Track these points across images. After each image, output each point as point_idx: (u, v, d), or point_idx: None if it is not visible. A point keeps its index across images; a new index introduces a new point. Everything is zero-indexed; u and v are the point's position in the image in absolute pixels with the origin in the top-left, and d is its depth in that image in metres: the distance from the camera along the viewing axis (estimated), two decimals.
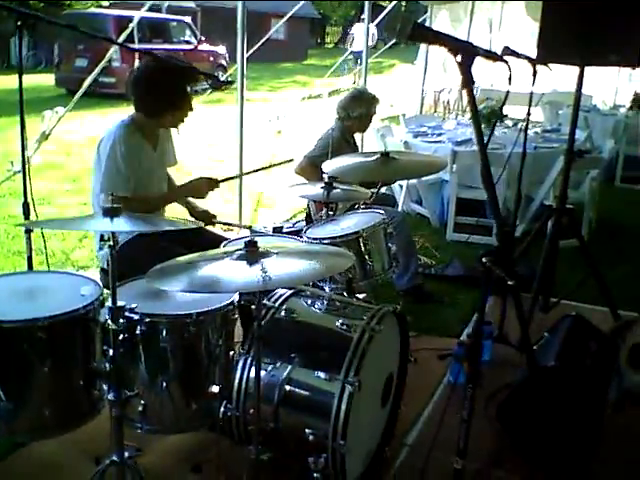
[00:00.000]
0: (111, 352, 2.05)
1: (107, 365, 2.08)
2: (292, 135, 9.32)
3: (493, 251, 2.00)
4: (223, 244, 2.79)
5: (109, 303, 2.03)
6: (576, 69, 3.58)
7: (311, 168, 4.18)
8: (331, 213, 3.13)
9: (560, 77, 5.81)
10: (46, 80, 15.39)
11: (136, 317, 2.13)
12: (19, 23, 2.75)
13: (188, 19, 17.32)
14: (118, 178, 2.87)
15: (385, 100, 7.21)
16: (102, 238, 1.99)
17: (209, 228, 3.31)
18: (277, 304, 2.42)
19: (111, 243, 1.95)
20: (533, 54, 3.39)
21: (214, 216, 3.33)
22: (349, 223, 3.05)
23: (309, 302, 2.51)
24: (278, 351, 2.28)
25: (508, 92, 2.05)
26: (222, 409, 2.22)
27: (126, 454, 2.16)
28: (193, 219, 3.30)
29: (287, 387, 2.21)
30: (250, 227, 4.14)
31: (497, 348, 3.36)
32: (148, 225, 2.21)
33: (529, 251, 3.96)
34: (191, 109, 3.04)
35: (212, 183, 3.17)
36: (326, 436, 2.11)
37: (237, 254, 1.90)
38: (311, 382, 2.21)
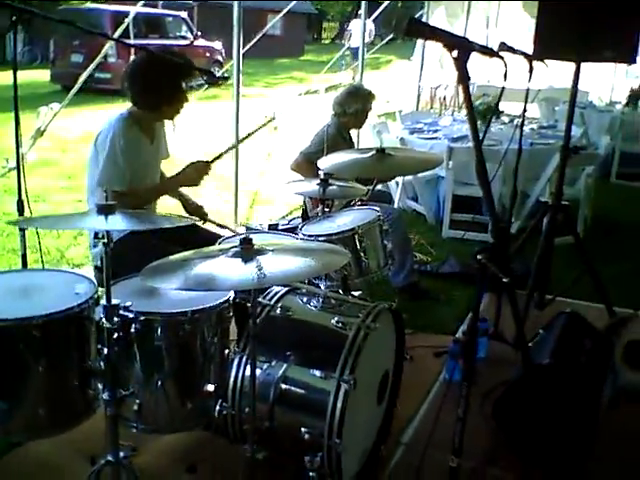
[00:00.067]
0: (106, 351, 2.04)
1: (102, 364, 2.07)
2: (288, 131, 9.29)
3: (488, 248, 2.00)
4: (218, 241, 2.78)
5: (104, 301, 2.03)
6: (572, 65, 3.57)
7: (307, 164, 4.17)
8: (327, 210, 3.13)
9: (556, 73, 5.80)
10: (41, 76, 15.32)
11: (131, 315, 2.12)
12: (14, 18, 2.74)
13: (184, 14, 17.25)
14: (116, 172, 2.86)
15: (381, 96, 7.19)
16: (96, 236, 1.99)
17: (204, 225, 3.30)
18: (272, 302, 2.41)
19: (105, 240, 1.94)
20: (530, 50, 3.38)
21: (206, 214, 3.31)
22: (345, 220, 3.04)
23: (304, 300, 2.50)
24: (273, 349, 2.27)
25: (503, 88, 2.05)
26: (217, 408, 2.21)
27: (121, 454, 2.16)
28: (187, 215, 3.30)
29: (282, 385, 2.20)
30: (236, 232, 4.11)
31: (493, 345, 3.36)
32: (143, 223, 2.20)
33: (525, 248, 3.96)
34: (186, 100, 3.03)
35: (202, 167, 3.13)
36: (322, 435, 2.11)
37: (232, 251, 1.89)
38: (306, 380, 2.21)
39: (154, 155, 3.16)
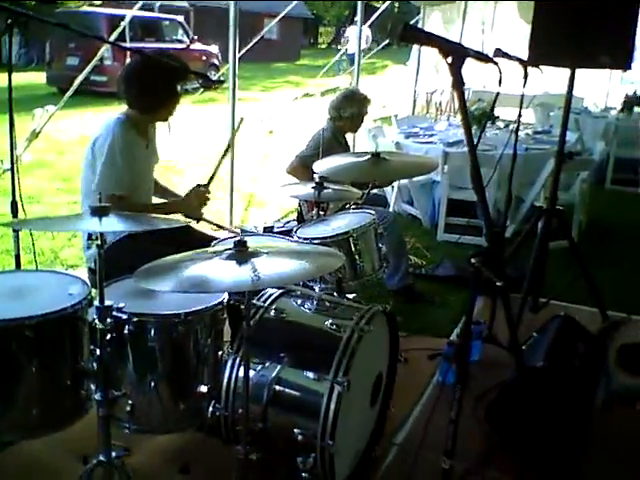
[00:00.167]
0: (98, 352, 2.04)
1: (95, 365, 2.07)
2: (284, 135, 9.31)
3: (482, 252, 2.01)
4: (213, 243, 2.78)
5: (97, 302, 2.02)
6: (567, 71, 3.59)
7: (302, 168, 4.17)
8: (322, 213, 3.13)
9: (552, 79, 5.83)
10: (37, 78, 15.33)
11: (124, 316, 2.12)
12: (9, 21, 2.74)
13: (181, 18, 17.29)
14: (116, 176, 2.85)
15: (377, 101, 7.21)
16: (90, 237, 1.98)
17: (198, 228, 3.30)
18: (266, 304, 2.41)
19: (98, 242, 1.94)
20: (525, 56, 3.39)
21: (201, 214, 3.30)
22: (340, 223, 3.05)
23: (299, 302, 2.50)
24: (267, 351, 2.27)
25: (498, 93, 2.06)
26: (210, 409, 2.21)
27: (113, 454, 2.15)
28: (183, 217, 3.30)
29: (276, 387, 2.20)
30: (238, 234, 4.13)
31: (487, 348, 3.36)
32: (137, 224, 2.20)
33: (519, 252, 3.97)
34: (178, 102, 3.05)
35: (203, 193, 3.14)
36: (315, 436, 2.11)
37: (226, 254, 1.89)
38: (300, 382, 2.21)
39: (149, 159, 3.16)
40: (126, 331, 2.14)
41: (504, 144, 3.54)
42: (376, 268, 3.03)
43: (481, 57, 1.98)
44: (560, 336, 2.93)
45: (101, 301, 2.01)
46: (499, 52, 3.16)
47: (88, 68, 5.43)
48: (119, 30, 5.88)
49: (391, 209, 5.76)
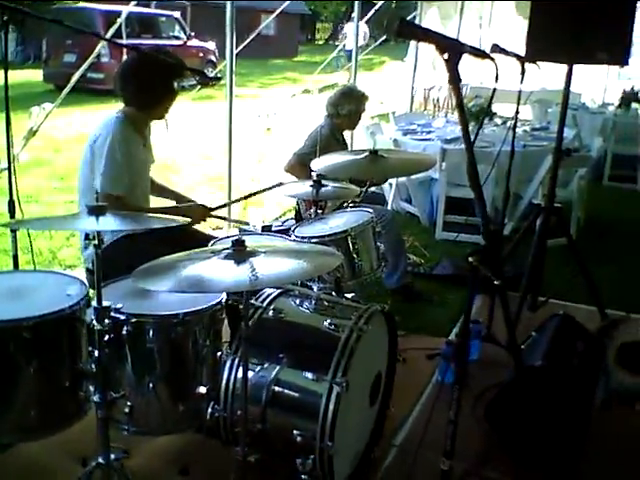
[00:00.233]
0: (96, 353, 2.03)
1: (93, 366, 2.07)
2: (282, 132, 9.29)
3: (480, 250, 2.00)
4: (211, 243, 2.77)
5: (95, 303, 2.02)
6: (565, 67, 3.58)
7: (300, 166, 4.16)
8: (320, 211, 3.12)
9: (549, 75, 5.81)
10: (34, 76, 15.28)
11: (122, 317, 2.12)
12: (5, 18, 2.72)
13: (177, 14, 17.23)
14: (116, 175, 2.84)
15: (375, 97, 7.19)
16: (87, 237, 1.97)
17: (197, 227, 3.28)
18: (265, 304, 2.40)
19: (96, 242, 1.93)
20: (522, 52, 3.38)
21: (208, 210, 3.27)
22: (338, 222, 3.04)
23: (297, 302, 2.49)
24: (266, 351, 2.26)
25: (495, 90, 2.05)
26: (209, 410, 2.20)
27: (112, 456, 2.15)
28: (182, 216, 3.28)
29: (275, 388, 2.19)
30: (247, 223, 4.13)
31: (486, 347, 3.36)
32: (134, 224, 2.19)
33: (518, 250, 3.96)
34: (175, 99, 3.05)
35: (205, 213, 3.16)
36: (314, 437, 2.10)
37: (224, 253, 1.88)
38: (299, 383, 2.20)
39: (146, 158, 3.15)
40: (124, 332, 2.14)
41: (502, 141, 3.53)
42: (374, 267, 3.02)
43: (478, 53, 1.97)
44: (559, 335, 2.93)
45: (99, 302, 2.01)
46: (496, 48, 3.16)
47: (85, 65, 5.40)
48: (115, 26, 5.85)
49: (389, 207, 5.75)
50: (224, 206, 3.33)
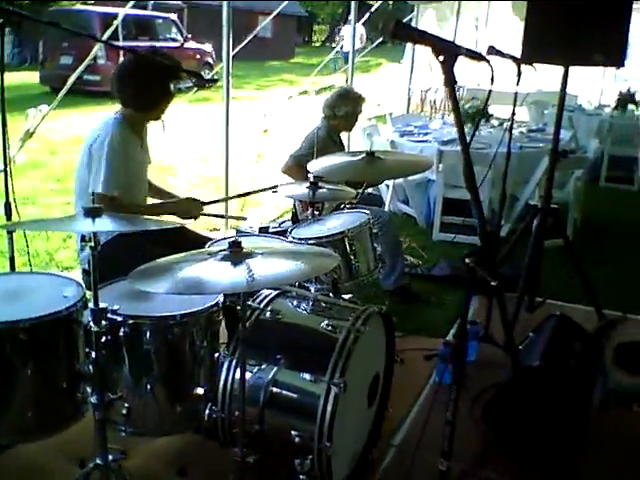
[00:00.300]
0: (94, 354, 2.03)
1: (90, 367, 2.06)
2: (278, 134, 9.29)
3: (476, 252, 2.00)
4: (207, 244, 2.77)
5: (92, 305, 2.01)
6: (561, 69, 3.59)
7: (297, 167, 4.16)
8: (317, 213, 3.12)
9: (546, 77, 5.82)
10: (31, 78, 15.26)
11: (119, 319, 2.12)
12: (1, 20, 2.72)
13: (174, 16, 17.22)
14: (114, 176, 2.84)
15: (372, 99, 7.19)
16: (83, 239, 1.97)
17: (194, 229, 3.28)
18: (262, 305, 2.40)
19: (92, 244, 1.92)
20: (519, 53, 3.39)
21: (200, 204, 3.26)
22: (335, 223, 3.04)
23: (294, 303, 2.49)
24: (263, 353, 2.26)
25: (490, 91, 2.05)
26: (207, 411, 2.20)
27: (110, 457, 2.14)
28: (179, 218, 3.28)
29: (272, 389, 2.19)
30: (244, 218, 4.16)
31: (484, 348, 3.36)
32: (130, 225, 2.19)
33: (515, 251, 3.97)
34: (171, 101, 3.05)
35: (197, 208, 3.15)
36: (312, 438, 2.10)
37: (221, 255, 1.88)
38: (296, 384, 2.20)
39: (144, 159, 3.15)
40: (121, 333, 2.14)
41: (498, 142, 3.54)
42: (372, 268, 3.03)
43: (473, 55, 1.97)
44: (556, 335, 2.93)
45: (96, 303, 2.00)
46: (492, 50, 3.17)
47: (81, 67, 5.40)
48: (112, 29, 5.85)
49: (386, 208, 5.74)
50: (218, 201, 3.34)
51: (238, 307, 2.04)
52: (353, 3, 7.97)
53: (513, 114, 3.40)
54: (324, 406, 2.10)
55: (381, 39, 13.38)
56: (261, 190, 3.41)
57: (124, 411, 2.16)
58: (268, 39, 26.72)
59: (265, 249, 1.98)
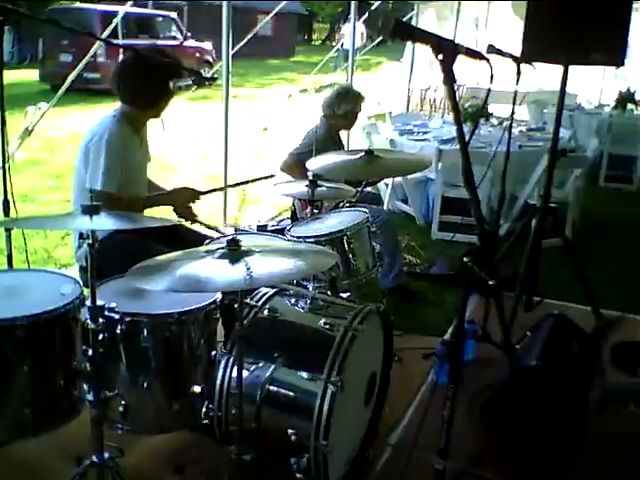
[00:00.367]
0: (90, 352, 2.02)
1: (87, 365, 2.06)
2: (278, 132, 9.29)
3: (474, 250, 2.00)
4: (206, 242, 2.77)
5: (89, 302, 2.01)
6: (561, 68, 3.59)
7: (296, 165, 4.15)
8: (316, 211, 3.12)
9: (546, 76, 5.82)
10: (30, 76, 15.24)
11: (116, 316, 2.12)
12: (0, 18, 2.71)
13: (174, 14, 17.22)
14: (113, 174, 2.84)
15: (372, 98, 7.18)
16: (81, 236, 1.97)
17: (192, 226, 3.28)
18: (260, 303, 2.40)
19: (90, 241, 1.92)
20: (519, 52, 3.39)
21: (195, 215, 3.29)
22: (334, 221, 3.04)
23: (292, 301, 2.49)
24: (261, 351, 2.26)
25: (489, 90, 2.05)
26: (204, 409, 2.21)
27: (107, 455, 2.14)
28: (176, 216, 3.28)
29: (269, 387, 2.19)
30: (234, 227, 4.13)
31: (481, 347, 3.36)
32: (128, 222, 2.18)
33: (513, 250, 3.97)
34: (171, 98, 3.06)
35: (194, 195, 3.16)
36: (308, 436, 2.10)
37: (219, 253, 1.88)
38: (293, 382, 2.20)
39: (143, 157, 3.15)
40: (118, 331, 2.14)
41: (498, 141, 3.54)
42: (370, 267, 3.02)
43: (473, 54, 1.97)
44: (554, 335, 2.93)
45: (93, 301, 2.00)
46: (492, 49, 3.16)
47: (81, 65, 5.39)
48: (112, 27, 5.84)
49: (385, 207, 5.74)
50: (214, 190, 3.35)
51: (236, 305, 2.04)
52: (353, 2, 7.95)
53: (513, 113, 3.40)
54: (321, 404, 2.10)
55: (381, 38, 13.38)
56: (258, 179, 3.41)
57: (121, 409, 2.17)
58: (268, 37, 26.71)
59: (263, 247, 1.98)
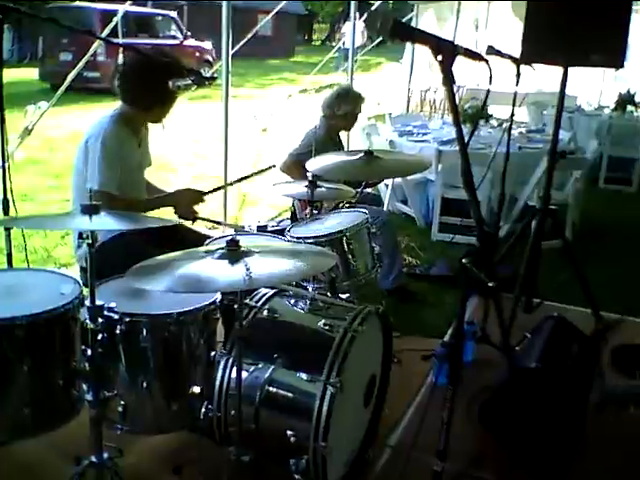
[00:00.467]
0: (90, 352, 2.02)
1: (86, 365, 2.06)
2: (278, 132, 9.28)
3: (474, 252, 2.00)
4: (206, 243, 2.77)
5: (88, 302, 2.01)
6: (561, 69, 3.59)
7: (296, 166, 4.15)
8: (316, 212, 3.12)
9: (546, 77, 5.82)
10: (30, 74, 15.23)
11: (115, 316, 2.11)
12: (0, 17, 2.71)
13: (174, 14, 17.21)
14: (110, 174, 2.84)
15: (372, 98, 7.18)
16: (80, 236, 1.96)
17: (192, 226, 3.27)
18: (259, 304, 2.40)
19: (89, 241, 1.92)
20: (518, 53, 3.39)
21: (197, 212, 3.28)
22: (333, 222, 3.04)
23: (292, 302, 2.49)
24: (260, 351, 2.26)
25: (489, 91, 2.05)
26: (203, 410, 2.20)
27: (105, 455, 2.14)
28: (176, 216, 3.27)
29: (269, 388, 2.19)
30: (235, 226, 4.13)
31: (481, 349, 3.36)
32: (128, 223, 2.18)
33: (513, 251, 3.96)
34: (174, 101, 3.04)
35: (198, 197, 3.14)
36: (307, 438, 2.10)
37: (219, 253, 1.88)
38: (293, 383, 2.20)
39: (141, 159, 3.14)
40: (118, 331, 2.14)
41: (497, 143, 3.53)
42: (369, 268, 3.02)
43: (472, 55, 1.97)
44: (553, 337, 2.93)
45: (92, 301, 2.00)
46: (492, 50, 3.16)
47: (81, 64, 5.38)
48: (111, 25, 5.84)
49: (385, 208, 5.74)
50: (217, 189, 3.34)
51: (235, 306, 2.04)
52: (353, 2, 7.95)
53: (512, 114, 3.40)
54: (320, 406, 2.09)
55: (380, 38, 13.38)
56: (259, 172, 3.39)
57: (120, 409, 2.17)
58: (268, 37, 26.71)
59: (263, 248, 1.98)
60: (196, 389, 2.25)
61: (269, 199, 6.43)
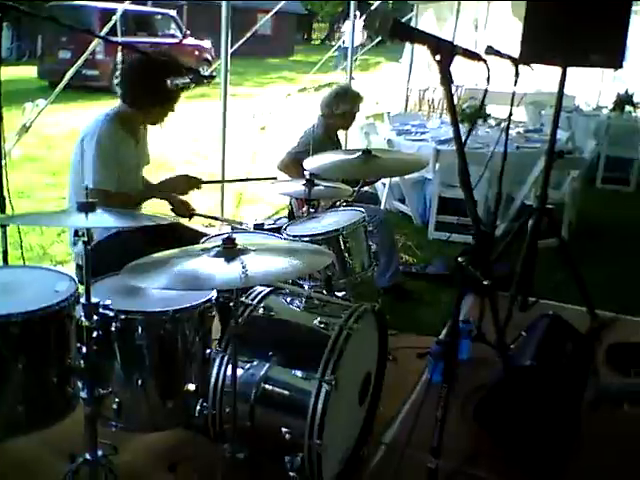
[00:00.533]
0: (85, 349, 2.02)
1: (81, 362, 2.06)
2: (276, 131, 9.28)
3: (470, 250, 2.00)
4: (202, 240, 2.77)
5: (83, 299, 2.01)
6: (559, 69, 3.59)
7: (293, 164, 4.15)
8: (313, 210, 3.13)
9: (544, 77, 5.82)
10: (29, 72, 15.22)
11: (111, 314, 2.11)
12: None
13: (173, 12, 17.20)
14: (106, 172, 2.84)
15: (371, 97, 7.18)
16: (76, 233, 1.96)
17: (188, 224, 3.28)
18: (255, 302, 2.40)
19: (85, 239, 1.92)
20: (517, 54, 3.39)
21: (193, 209, 3.29)
22: (330, 221, 3.04)
23: (287, 300, 2.49)
24: (255, 349, 2.26)
25: (486, 91, 2.05)
26: (198, 407, 2.20)
27: (100, 453, 2.14)
28: (173, 214, 3.28)
29: (264, 385, 2.19)
30: (232, 221, 4.13)
31: (476, 347, 3.36)
32: (124, 221, 2.18)
33: (510, 250, 3.97)
34: (173, 110, 3.04)
35: (194, 181, 3.16)
36: (302, 435, 2.10)
37: (215, 251, 1.88)
38: (288, 380, 2.20)
39: (137, 158, 3.15)
40: (113, 328, 2.14)
41: (495, 142, 3.54)
42: (366, 266, 3.03)
43: (470, 54, 1.97)
44: (548, 335, 2.93)
45: (87, 298, 2.00)
46: (491, 50, 3.16)
47: (79, 62, 5.38)
48: (111, 24, 5.84)
49: (382, 207, 5.75)
50: (215, 182, 3.36)
51: (231, 303, 2.04)
52: (353, 2, 7.95)
53: (510, 114, 3.40)
54: (315, 403, 2.10)
55: (380, 38, 13.38)
56: (259, 179, 3.41)
57: (115, 406, 2.17)
58: (267, 36, 26.70)
59: (259, 245, 1.98)
60: (191, 387, 2.25)
61: (266, 197, 6.43)
